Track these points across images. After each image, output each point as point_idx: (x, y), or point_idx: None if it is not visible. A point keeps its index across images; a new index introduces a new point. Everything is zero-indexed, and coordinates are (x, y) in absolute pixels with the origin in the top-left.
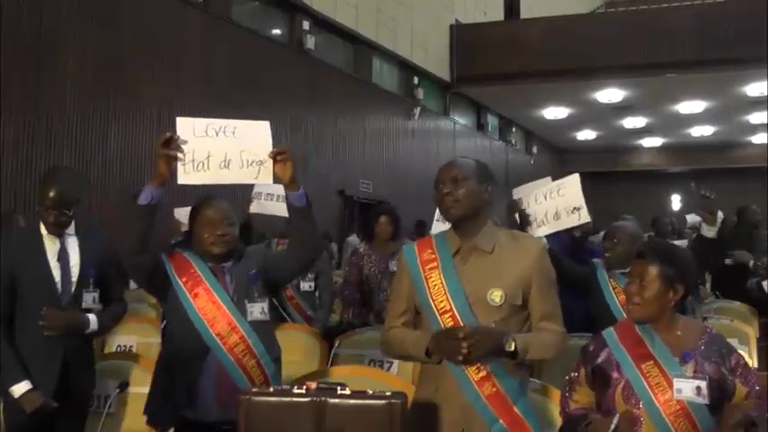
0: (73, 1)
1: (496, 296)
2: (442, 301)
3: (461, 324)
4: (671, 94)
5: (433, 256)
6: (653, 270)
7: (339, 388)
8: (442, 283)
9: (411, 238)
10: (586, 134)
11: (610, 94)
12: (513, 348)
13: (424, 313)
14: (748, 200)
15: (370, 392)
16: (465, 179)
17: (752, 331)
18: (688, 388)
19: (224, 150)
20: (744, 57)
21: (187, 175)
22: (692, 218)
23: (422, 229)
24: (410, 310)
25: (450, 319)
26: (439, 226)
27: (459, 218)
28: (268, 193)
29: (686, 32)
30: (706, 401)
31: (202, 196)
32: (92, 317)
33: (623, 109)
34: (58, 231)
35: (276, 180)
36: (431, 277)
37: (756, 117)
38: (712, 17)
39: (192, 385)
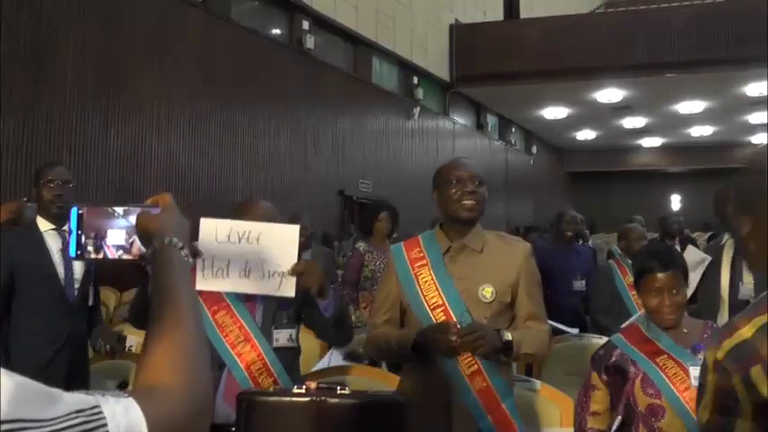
0: (73, 1)
1: (487, 292)
2: (433, 297)
3: (453, 318)
4: (671, 94)
5: (422, 254)
6: (677, 278)
7: (339, 388)
8: (432, 279)
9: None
10: (586, 134)
11: (609, 94)
12: (509, 338)
13: (414, 310)
14: None
15: (370, 392)
16: (482, 182)
17: None
18: None
19: (245, 258)
20: (744, 57)
21: (205, 282)
22: None
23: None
24: (393, 309)
25: (441, 313)
26: None
27: (474, 220)
28: None
29: (686, 32)
30: None
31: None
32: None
33: (623, 109)
34: (60, 211)
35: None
36: (421, 274)
37: (756, 117)
38: (712, 17)
39: None
